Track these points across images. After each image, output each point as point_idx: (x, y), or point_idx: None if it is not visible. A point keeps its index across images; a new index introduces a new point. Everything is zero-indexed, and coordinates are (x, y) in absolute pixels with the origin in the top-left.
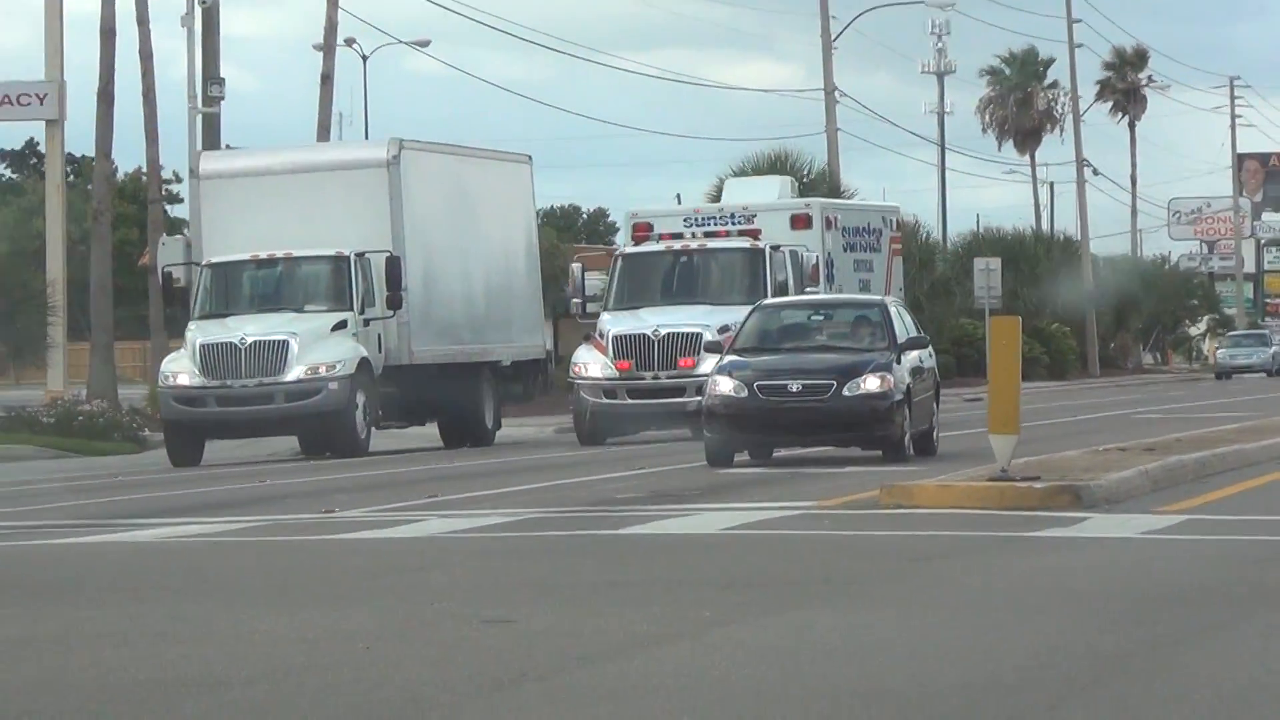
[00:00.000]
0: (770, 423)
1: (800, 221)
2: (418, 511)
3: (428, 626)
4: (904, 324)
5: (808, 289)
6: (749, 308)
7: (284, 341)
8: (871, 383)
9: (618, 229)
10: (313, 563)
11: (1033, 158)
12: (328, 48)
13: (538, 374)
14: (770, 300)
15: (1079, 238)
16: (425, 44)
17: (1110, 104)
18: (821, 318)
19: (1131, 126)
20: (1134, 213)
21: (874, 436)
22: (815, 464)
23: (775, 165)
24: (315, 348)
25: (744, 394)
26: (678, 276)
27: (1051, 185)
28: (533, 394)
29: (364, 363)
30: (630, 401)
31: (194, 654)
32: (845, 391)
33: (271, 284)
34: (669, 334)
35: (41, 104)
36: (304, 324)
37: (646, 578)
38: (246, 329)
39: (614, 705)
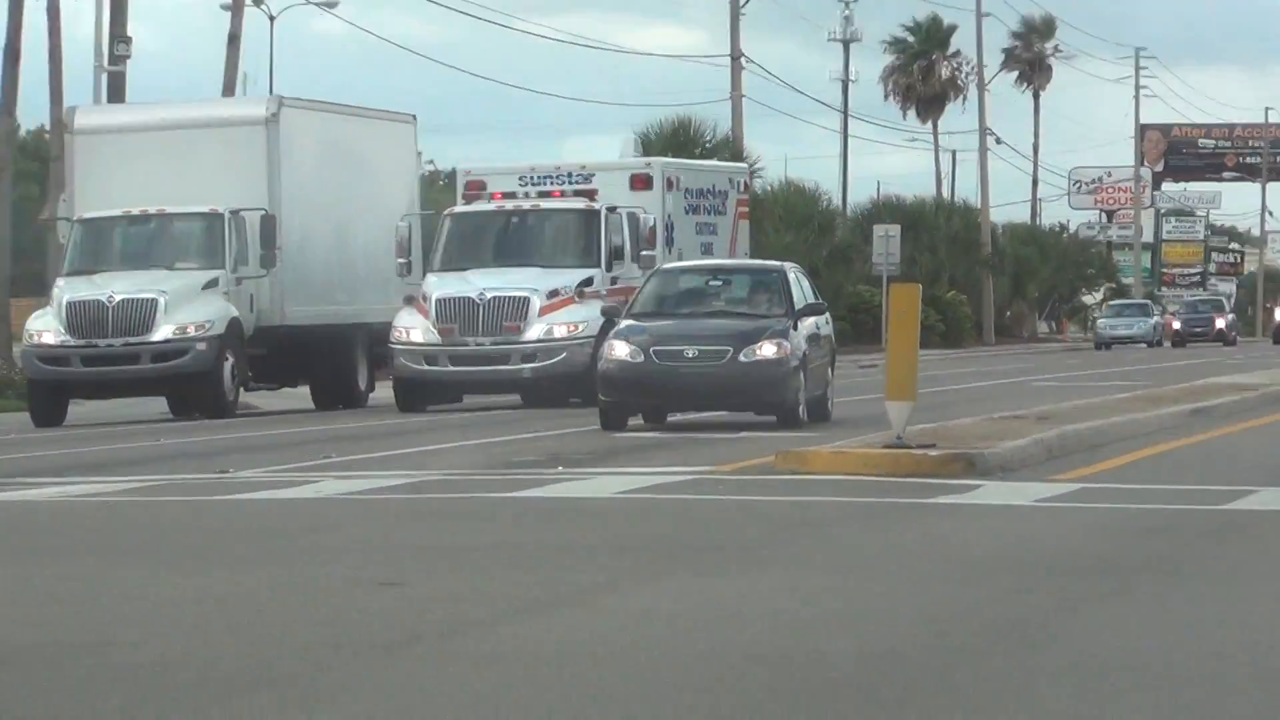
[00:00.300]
0: (665, 388)
1: (640, 182)
2: (314, 473)
3: (321, 589)
4: (802, 290)
5: (643, 253)
6: (581, 271)
7: (152, 300)
8: (767, 349)
9: None
10: (207, 524)
11: (935, 126)
12: (236, 6)
13: None
14: (669, 265)
15: (979, 205)
16: (333, 4)
17: (1016, 74)
18: (720, 283)
19: (1036, 96)
20: (1035, 182)
21: (768, 402)
22: (710, 429)
23: (678, 131)
24: (184, 307)
25: (640, 359)
26: (509, 238)
27: (954, 153)
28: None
29: (234, 323)
30: (452, 369)
31: (82, 616)
32: (741, 357)
33: (143, 241)
34: (495, 298)
35: None
36: (174, 282)
37: (540, 541)
38: (115, 286)
39: (504, 669)
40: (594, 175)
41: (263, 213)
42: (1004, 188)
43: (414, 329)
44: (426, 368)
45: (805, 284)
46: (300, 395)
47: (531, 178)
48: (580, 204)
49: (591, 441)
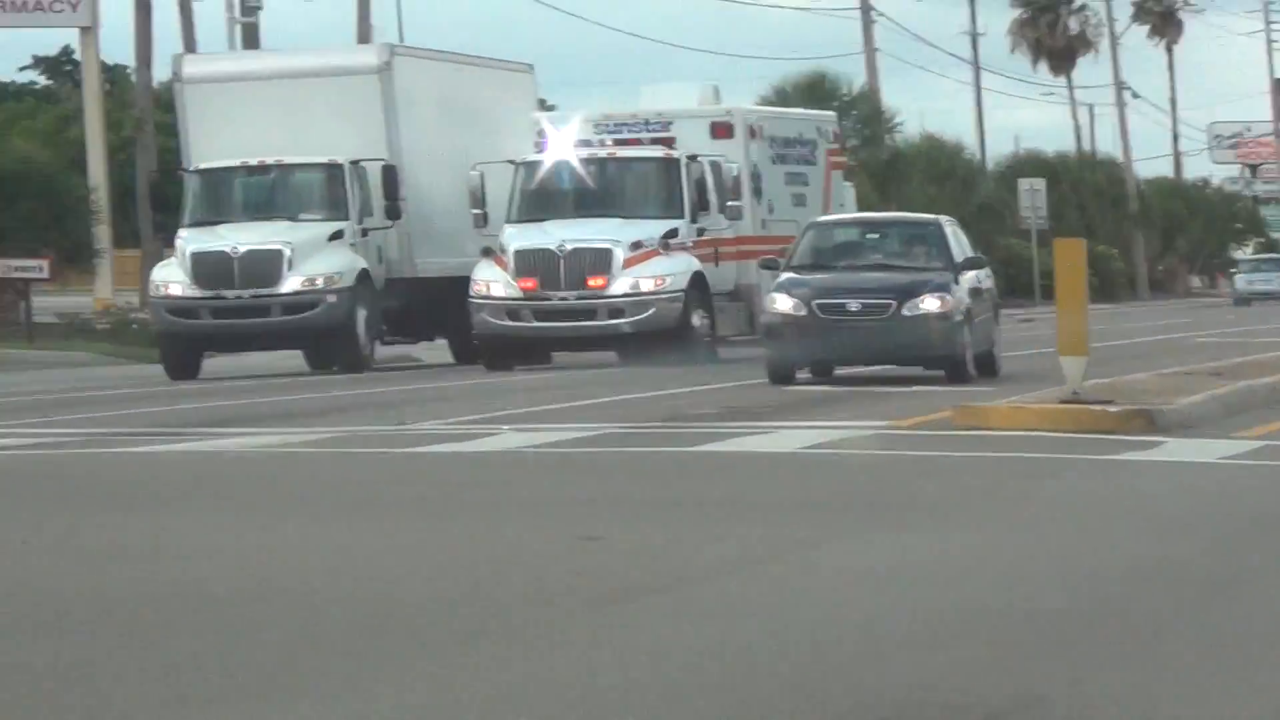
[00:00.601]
0: (831, 341)
1: (721, 130)
2: (491, 425)
3: (519, 542)
4: (959, 244)
5: (729, 203)
6: (664, 221)
7: (278, 250)
8: (930, 303)
9: None
10: (397, 475)
11: (1069, 79)
12: None
13: None
14: (822, 218)
15: (1121, 160)
16: None
17: (1147, 27)
18: (876, 236)
19: (1169, 50)
20: (1175, 136)
21: (937, 357)
22: (879, 383)
23: (813, 86)
24: (312, 258)
25: (803, 312)
26: (585, 187)
27: (1091, 108)
28: None
29: (364, 274)
30: (536, 324)
31: (288, 567)
32: (904, 311)
33: (264, 192)
34: (575, 249)
35: (75, 10)
36: (299, 233)
37: (732, 496)
38: (239, 237)
39: (718, 625)
40: (672, 123)
41: (384, 163)
42: (1143, 143)
43: (494, 282)
44: (509, 323)
45: (962, 237)
46: (439, 348)
47: (608, 125)
48: (659, 152)
49: (761, 395)
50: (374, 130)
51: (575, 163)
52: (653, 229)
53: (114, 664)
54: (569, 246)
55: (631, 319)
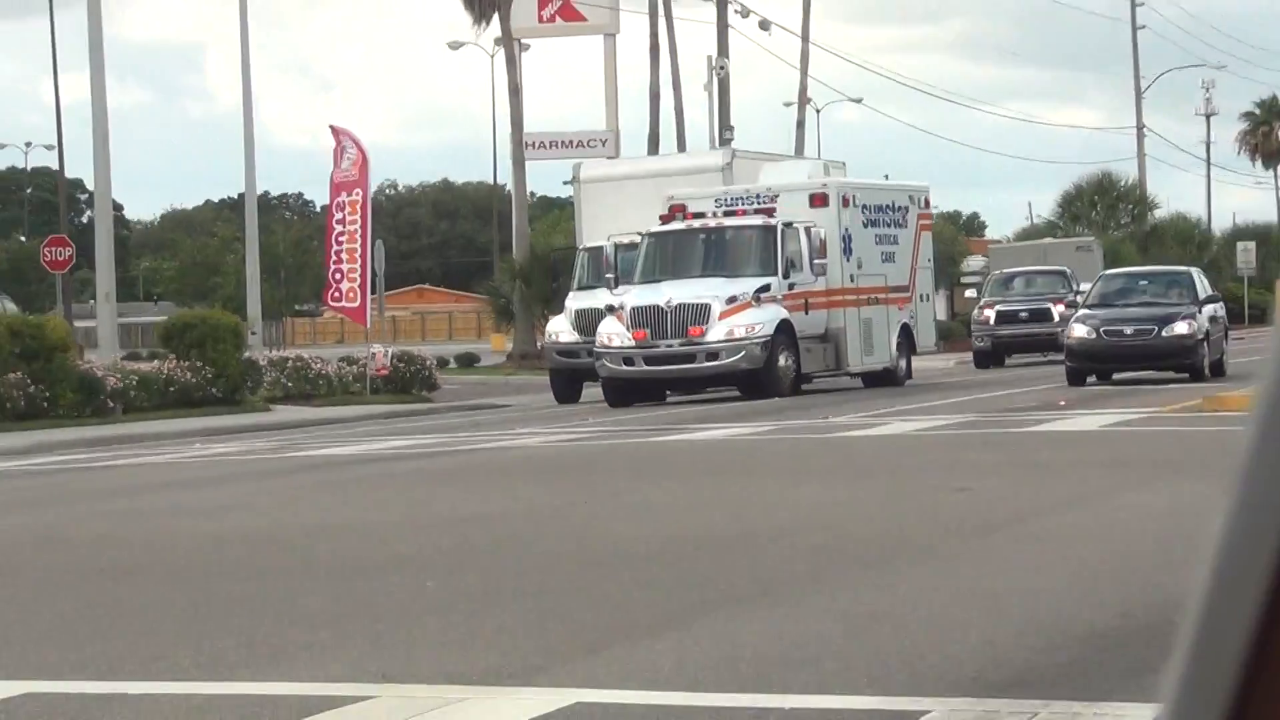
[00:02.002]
0: (1112, 355)
1: (818, 200)
2: (883, 418)
3: (912, 493)
4: (1203, 286)
5: (816, 261)
6: (760, 279)
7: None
8: (1180, 327)
9: (986, 226)
10: (828, 450)
11: (1276, 172)
12: (800, 104)
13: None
14: (1109, 271)
15: None
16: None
17: None
18: (1145, 283)
19: None
20: None
21: (1184, 364)
22: (1143, 384)
23: (1100, 183)
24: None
25: (1093, 336)
26: (696, 252)
27: None
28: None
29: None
30: (647, 368)
31: (736, 515)
32: (1164, 333)
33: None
34: (680, 305)
35: (603, 145)
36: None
37: (1059, 460)
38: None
39: (1057, 546)
40: (778, 196)
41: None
42: None
43: (614, 335)
44: (625, 368)
45: (1204, 282)
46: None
47: (726, 199)
48: (759, 220)
49: (1065, 394)
50: None
51: (687, 232)
52: (748, 285)
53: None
54: (675, 302)
55: (724, 361)
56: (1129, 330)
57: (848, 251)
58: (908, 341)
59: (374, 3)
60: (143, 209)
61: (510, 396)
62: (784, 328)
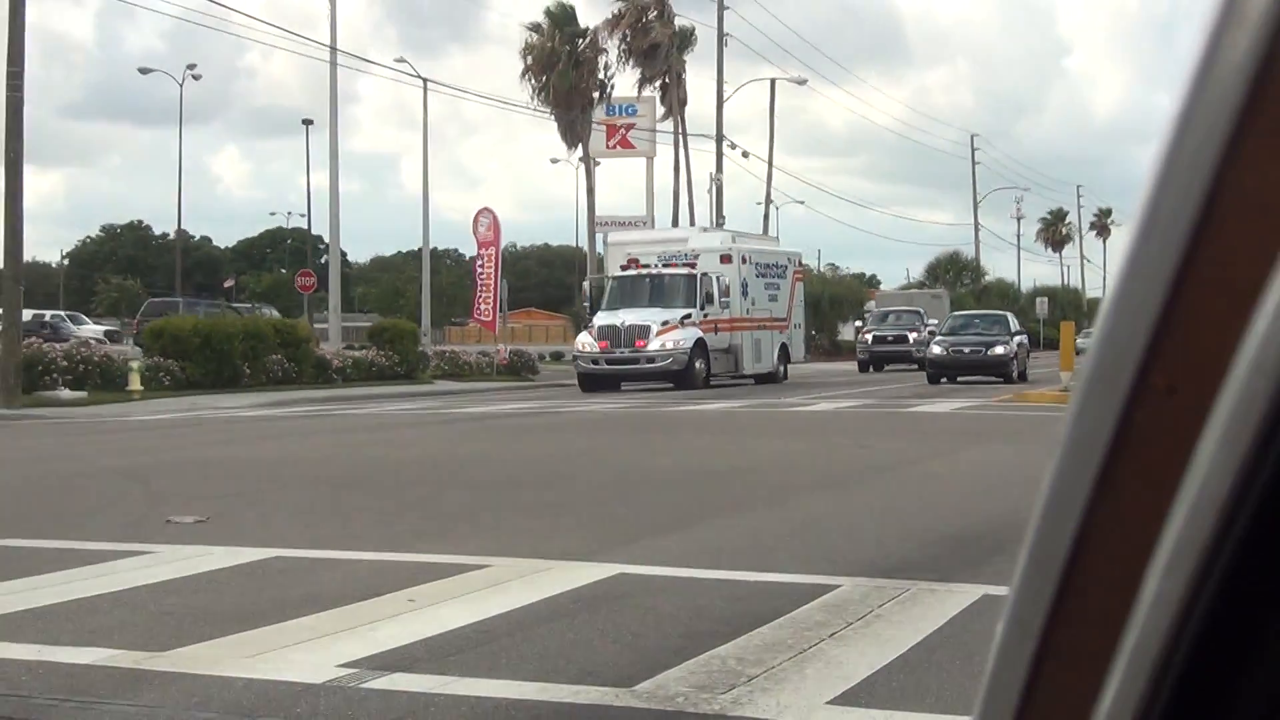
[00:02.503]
0: (956, 365)
1: (725, 259)
2: (813, 400)
3: (833, 448)
4: (1014, 324)
5: (723, 298)
6: (684, 309)
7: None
8: (999, 349)
9: (880, 282)
10: (779, 420)
11: (1060, 255)
12: (766, 202)
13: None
14: (956, 313)
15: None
16: (802, 202)
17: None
18: (978, 321)
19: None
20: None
21: (1002, 373)
22: (976, 384)
23: (952, 259)
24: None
25: (945, 353)
26: (644, 290)
27: (1068, 266)
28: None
29: (700, 341)
30: (607, 367)
31: (722, 457)
32: (989, 353)
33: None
34: (630, 325)
35: (644, 225)
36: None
37: (927, 429)
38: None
39: (921, 482)
40: (700, 255)
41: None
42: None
43: (586, 344)
44: (591, 366)
45: (1015, 321)
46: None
47: (665, 256)
48: (685, 270)
49: (926, 389)
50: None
51: (638, 277)
52: (677, 313)
53: (656, 502)
54: (627, 323)
55: (658, 364)
56: (967, 350)
57: (745, 293)
58: (785, 354)
59: (506, 134)
60: (359, 255)
61: None
62: (699, 343)
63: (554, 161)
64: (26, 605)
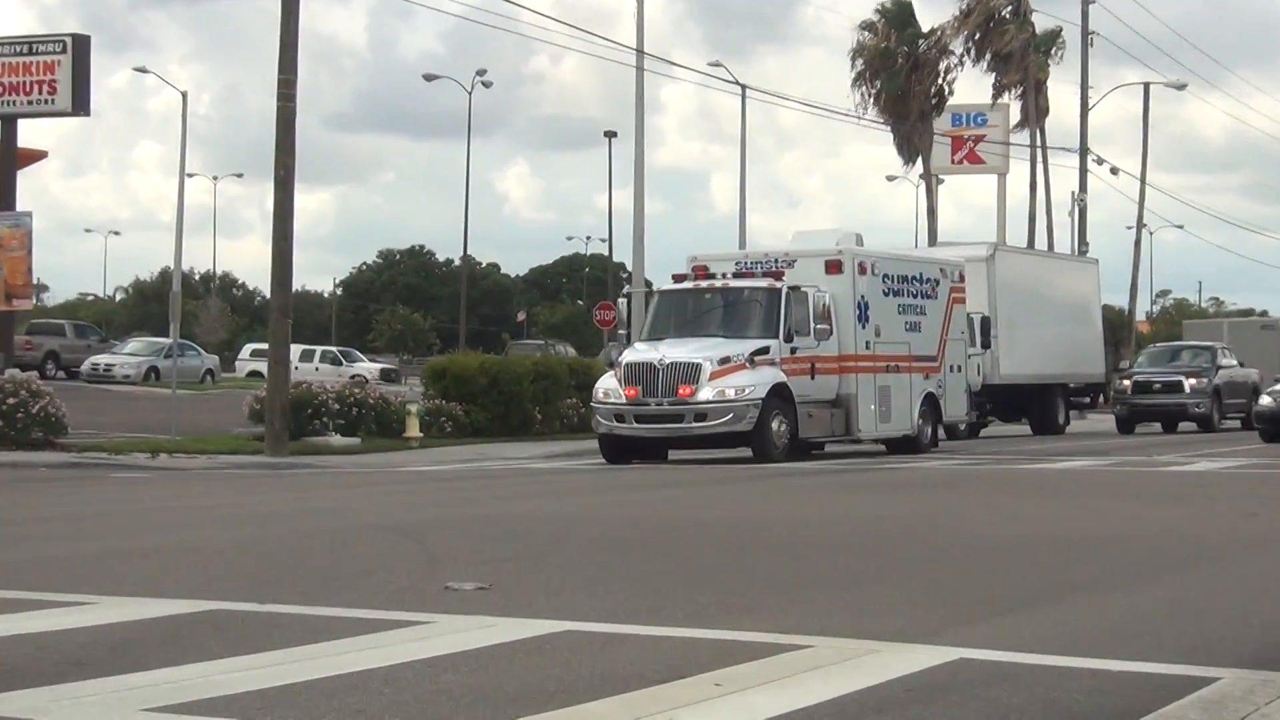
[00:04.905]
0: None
1: (833, 267)
2: (1190, 459)
3: (1216, 515)
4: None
5: (817, 326)
6: (758, 341)
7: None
8: (1192, 383)
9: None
10: (1147, 481)
11: None
12: (1138, 227)
13: (1098, 390)
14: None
15: None
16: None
17: None
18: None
19: None
20: None
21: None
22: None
23: None
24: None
25: (1273, 404)
26: (700, 312)
27: None
28: (1095, 402)
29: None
30: (637, 426)
31: (1075, 521)
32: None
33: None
34: (672, 363)
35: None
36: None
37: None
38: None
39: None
40: (796, 261)
41: (982, 315)
42: None
43: (609, 391)
44: (617, 424)
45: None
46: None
47: (745, 263)
48: (764, 283)
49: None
50: (982, 295)
51: (693, 292)
52: (745, 346)
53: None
54: (667, 360)
55: (713, 423)
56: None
57: (863, 318)
58: (933, 409)
59: (828, 146)
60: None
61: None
62: (778, 391)
63: (890, 179)
64: (286, 680)
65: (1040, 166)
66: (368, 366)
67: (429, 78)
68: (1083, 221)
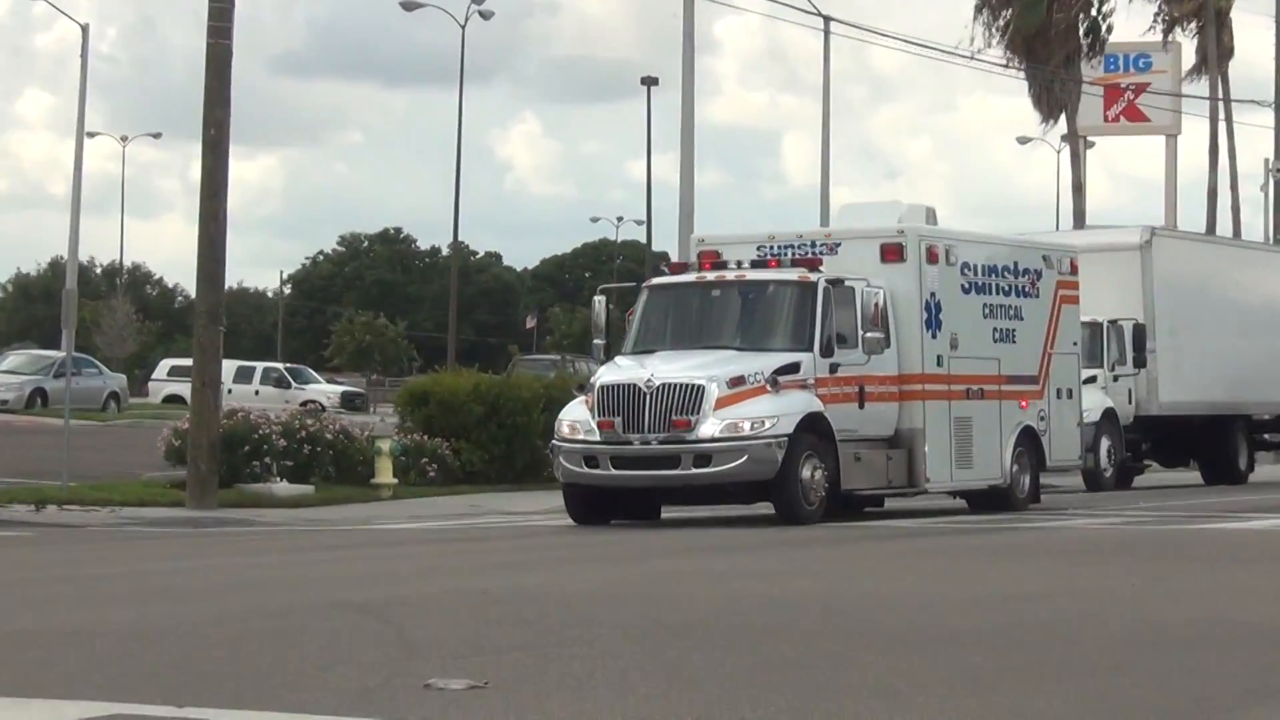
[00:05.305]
0: None
1: (891, 252)
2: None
3: None
4: None
5: (867, 335)
6: (785, 355)
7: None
8: None
9: None
10: (1213, 544)
11: None
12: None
13: None
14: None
15: None
16: None
17: None
18: None
19: None
20: None
21: None
22: None
23: None
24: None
25: None
26: (706, 314)
27: None
28: None
29: (1110, 411)
30: (614, 472)
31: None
32: None
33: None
34: (664, 385)
35: None
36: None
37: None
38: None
39: None
40: (840, 244)
41: (1134, 322)
42: None
43: (578, 424)
44: (586, 470)
45: None
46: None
47: (769, 247)
48: (793, 275)
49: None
50: (1134, 294)
51: (695, 286)
52: (766, 362)
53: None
54: (657, 382)
55: (719, 468)
56: None
57: (933, 324)
58: (1033, 450)
59: (940, 99)
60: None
61: None
62: (813, 424)
63: (1023, 142)
64: None
65: (1222, 125)
66: (325, 389)
67: (408, 6)
68: (1279, 199)
